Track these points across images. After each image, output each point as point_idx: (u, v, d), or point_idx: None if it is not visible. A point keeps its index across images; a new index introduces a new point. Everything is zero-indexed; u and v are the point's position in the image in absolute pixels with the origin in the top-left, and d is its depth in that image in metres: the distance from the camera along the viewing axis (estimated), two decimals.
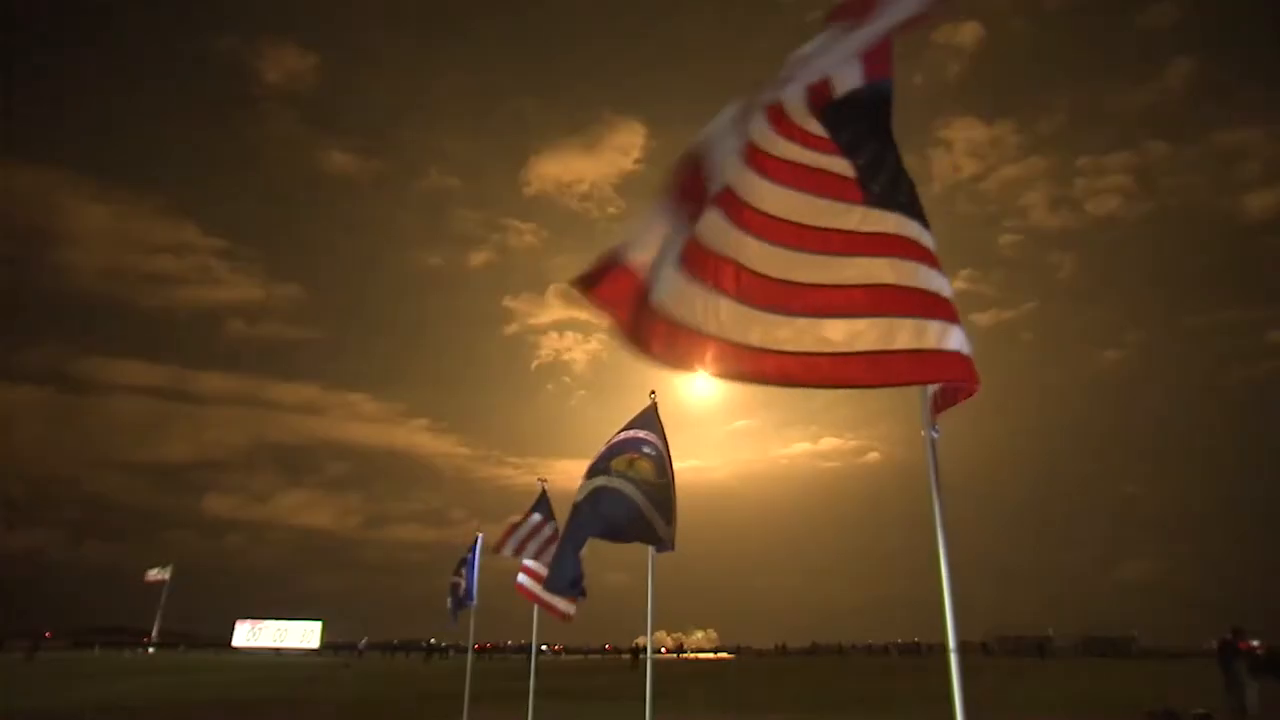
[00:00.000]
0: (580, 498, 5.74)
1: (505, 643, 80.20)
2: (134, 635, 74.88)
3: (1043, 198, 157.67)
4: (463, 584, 12.96)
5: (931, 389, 3.10)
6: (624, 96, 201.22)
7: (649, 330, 2.72)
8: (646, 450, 5.79)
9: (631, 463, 5.74)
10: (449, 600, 13.29)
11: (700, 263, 2.80)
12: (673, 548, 5.53)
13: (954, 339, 2.54)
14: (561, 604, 8.93)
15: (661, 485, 5.61)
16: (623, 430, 6.04)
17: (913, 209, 2.77)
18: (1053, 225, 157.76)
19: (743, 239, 2.85)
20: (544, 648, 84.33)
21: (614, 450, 5.88)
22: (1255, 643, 14.01)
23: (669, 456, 5.80)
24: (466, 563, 13.01)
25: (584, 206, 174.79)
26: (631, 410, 6.24)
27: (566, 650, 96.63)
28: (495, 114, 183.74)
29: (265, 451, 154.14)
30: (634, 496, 5.53)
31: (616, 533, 5.54)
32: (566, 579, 5.64)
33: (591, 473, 5.84)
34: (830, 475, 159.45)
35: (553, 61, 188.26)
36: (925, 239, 2.73)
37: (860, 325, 2.59)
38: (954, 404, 3.19)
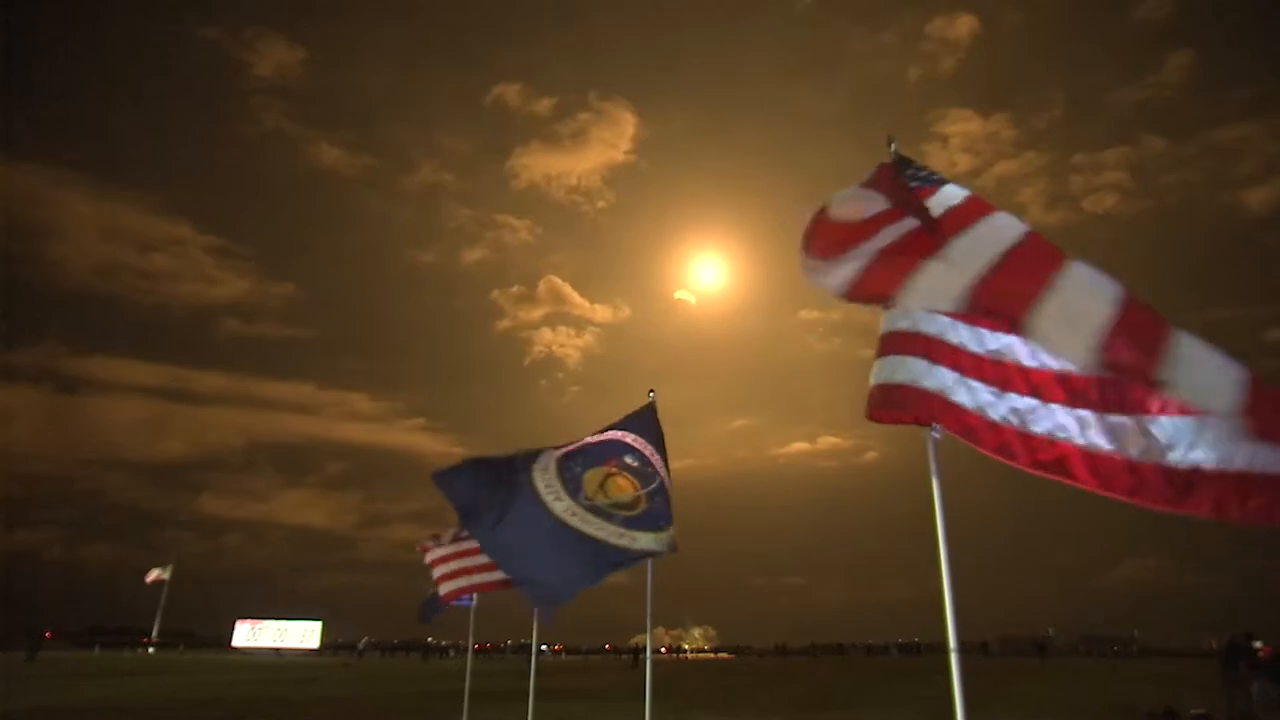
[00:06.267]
0: (551, 512, 5.24)
1: (505, 642, 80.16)
2: (134, 635, 74.72)
3: (1039, 194, 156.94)
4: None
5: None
6: (612, 85, 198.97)
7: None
8: (628, 460, 5.56)
9: (605, 481, 5.45)
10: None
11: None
12: (674, 549, 5.31)
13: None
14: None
15: (648, 494, 5.40)
16: (611, 428, 5.83)
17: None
18: (1050, 222, 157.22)
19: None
20: (544, 648, 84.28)
21: (592, 456, 5.61)
22: (1259, 644, 13.94)
23: (664, 457, 5.64)
24: None
25: (573, 199, 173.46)
26: (627, 407, 6.12)
27: (566, 650, 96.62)
28: (485, 106, 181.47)
29: (262, 451, 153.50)
30: (597, 534, 5.16)
31: (585, 580, 5.10)
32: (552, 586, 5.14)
33: (565, 482, 5.43)
34: (829, 474, 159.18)
35: (539, 50, 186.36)
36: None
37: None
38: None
